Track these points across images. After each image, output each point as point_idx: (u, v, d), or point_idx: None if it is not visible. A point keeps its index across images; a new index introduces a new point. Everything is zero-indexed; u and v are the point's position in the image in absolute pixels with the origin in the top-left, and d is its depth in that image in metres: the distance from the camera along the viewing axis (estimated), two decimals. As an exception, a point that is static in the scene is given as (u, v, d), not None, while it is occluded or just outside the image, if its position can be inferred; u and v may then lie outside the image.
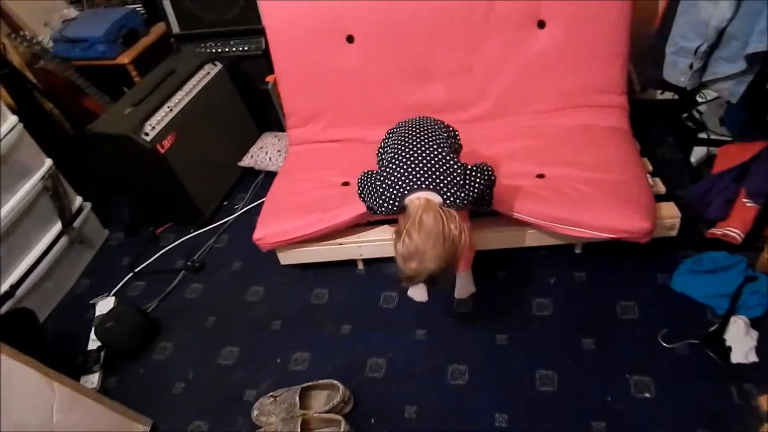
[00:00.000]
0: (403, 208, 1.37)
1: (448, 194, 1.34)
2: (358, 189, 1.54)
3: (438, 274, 1.27)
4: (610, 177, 1.67)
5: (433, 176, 1.35)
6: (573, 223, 1.58)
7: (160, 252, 2.18)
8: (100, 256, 2.26)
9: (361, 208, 1.71)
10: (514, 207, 1.63)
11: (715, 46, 1.32)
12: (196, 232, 2.23)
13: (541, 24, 1.85)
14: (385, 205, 1.40)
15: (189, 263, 2.08)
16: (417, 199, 1.34)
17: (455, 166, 1.38)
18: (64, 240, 2.08)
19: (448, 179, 1.35)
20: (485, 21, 1.86)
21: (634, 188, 1.63)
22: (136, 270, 2.12)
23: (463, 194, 1.35)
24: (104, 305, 1.97)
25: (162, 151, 2.00)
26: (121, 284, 2.09)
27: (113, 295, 2.04)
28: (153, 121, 2.01)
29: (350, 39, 1.97)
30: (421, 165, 1.37)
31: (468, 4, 1.85)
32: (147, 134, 1.97)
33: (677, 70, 1.42)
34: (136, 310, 1.85)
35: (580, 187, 1.65)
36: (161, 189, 2.15)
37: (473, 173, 1.40)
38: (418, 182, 1.35)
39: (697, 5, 1.30)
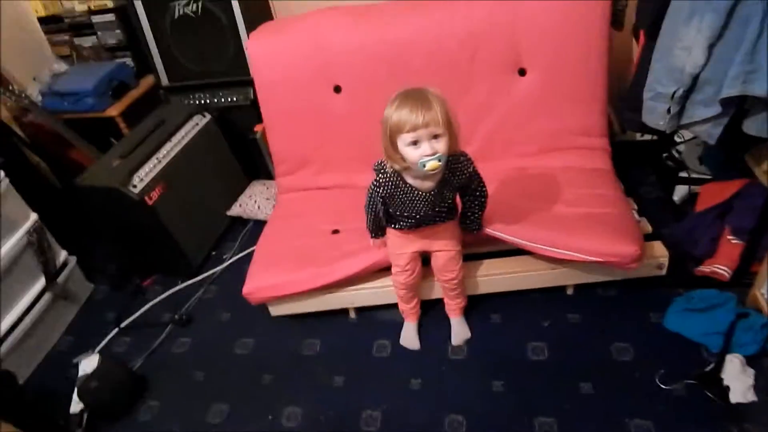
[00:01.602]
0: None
1: None
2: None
3: (445, 116, 1.26)
4: (597, 210, 1.71)
5: None
6: (564, 247, 1.60)
7: (147, 305, 2.13)
8: (85, 312, 2.20)
9: (357, 264, 1.72)
10: (506, 230, 1.65)
11: (691, 91, 1.37)
12: (185, 284, 2.19)
13: (522, 72, 1.91)
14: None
15: (176, 317, 2.03)
16: None
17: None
18: (47, 296, 2.03)
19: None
20: (469, 69, 1.92)
21: (620, 219, 1.68)
22: (122, 325, 2.06)
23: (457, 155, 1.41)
24: (88, 363, 1.88)
25: (150, 202, 1.99)
26: (106, 340, 2.03)
27: (97, 352, 1.95)
28: (141, 173, 2.01)
29: (338, 89, 2.01)
30: None
31: (453, 54, 1.90)
32: (135, 186, 1.97)
33: (656, 114, 1.47)
34: (121, 368, 1.80)
35: (570, 217, 1.69)
36: (149, 240, 2.12)
37: (474, 167, 1.48)
38: None
39: (672, 53, 1.36)
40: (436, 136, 1.27)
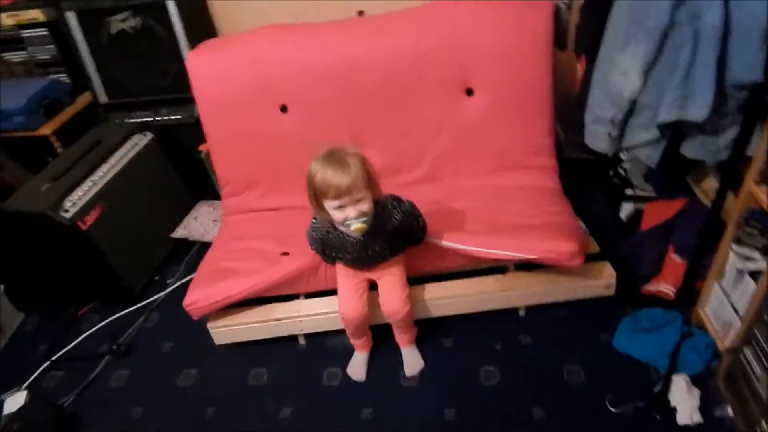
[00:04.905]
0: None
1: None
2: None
3: (365, 175, 1.32)
4: (543, 220, 1.72)
5: None
6: (504, 247, 1.61)
7: (82, 336, 2.00)
8: (13, 344, 2.05)
9: (297, 262, 1.68)
10: (447, 237, 1.65)
11: (630, 115, 1.39)
12: (123, 312, 2.07)
13: (470, 92, 1.90)
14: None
15: (114, 347, 1.91)
16: None
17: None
18: (-31, 329, 1.88)
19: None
20: (418, 89, 1.89)
21: (561, 221, 1.70)
22: (53, 358, 1.92)
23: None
24: (14, 402, 1.76)
25: (84, 227, 1.87)
26: (34, 375, 1.88)
27: (25, 388, 1.83)
28: (74, 196, 1.89)
29: (284, 109, 1.95)
30: None
31: (401, 73, 1.87)
32: (67, 211, 1.84)
33: (597, 137, 1.48)
34: (49, 406, 1.67)
35: (512, 224, 1.71)
36: (84, 267, 1.99)
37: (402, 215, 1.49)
38: None
39: (609, 78, 1.37)
40: (359, 200, 1.33)
